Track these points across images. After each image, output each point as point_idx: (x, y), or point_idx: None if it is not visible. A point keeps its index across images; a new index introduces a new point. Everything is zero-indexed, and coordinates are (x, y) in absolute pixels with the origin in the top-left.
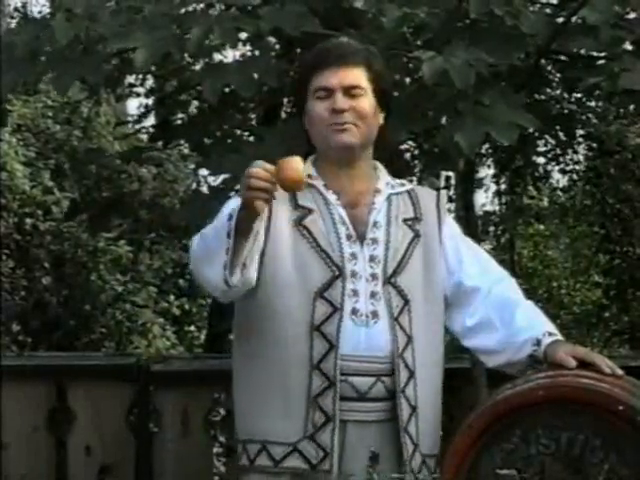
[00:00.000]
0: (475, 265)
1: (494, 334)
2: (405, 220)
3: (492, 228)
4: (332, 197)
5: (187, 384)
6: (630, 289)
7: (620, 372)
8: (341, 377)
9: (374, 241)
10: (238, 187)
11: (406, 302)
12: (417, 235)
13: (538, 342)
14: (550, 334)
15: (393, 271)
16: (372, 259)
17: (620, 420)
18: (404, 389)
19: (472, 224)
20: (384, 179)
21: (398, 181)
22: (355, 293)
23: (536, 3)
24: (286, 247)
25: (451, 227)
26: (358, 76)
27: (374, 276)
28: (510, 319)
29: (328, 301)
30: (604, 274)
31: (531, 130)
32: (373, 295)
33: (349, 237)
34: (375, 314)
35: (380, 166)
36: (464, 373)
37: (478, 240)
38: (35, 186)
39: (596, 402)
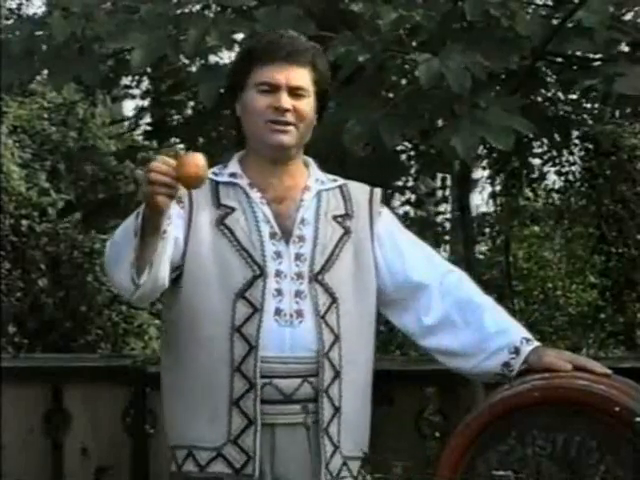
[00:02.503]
0: (419, 259)
1: (458, 335)
2: (335, 217)
3: (487, 230)
4: (256, 195)
5: None
6: (626, 290)
7: (609, 372)
8: (265, 380)
9: (301, 239)
10: None
11: (334, 300)
12: (347, 232)
13: (516, 350)
14: (527, 340)
15: (321, 268)
16: (298, 257)
17: (616, 421)
18: (327, 389)
19: (468, 225)
20: (314, 175)
21: (330, 177)
22: (279, 293)
23: (532, 4)
24: (207, 247)
25: (387, 223)
26: (304, 76)
27: (300, 275)
28: (478, 322)
29: (249, 301)
30: (600, 275)
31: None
32: (298, 294)
33: (273, 235)
34: (300, 313)
35: (311, 162)
36: (460, 375)
37: (473, 241)
38: (31, 187)
39: (592, 403)
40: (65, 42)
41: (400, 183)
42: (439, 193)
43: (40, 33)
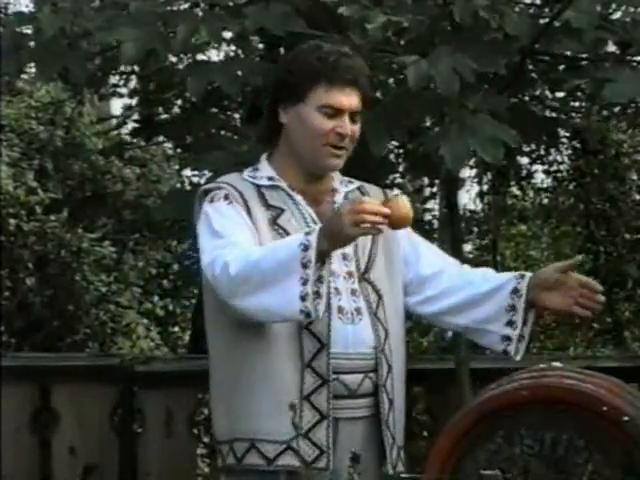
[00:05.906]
0: (433, 255)
1: (458, 294)
2: None
3: (475, 228)
4: (298, 197)
5: (171, 385)
6: (614, 289)
7: (600, 287)
8: (333, 375)
9: None
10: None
11: (380, 297)
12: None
13: (521, 276)
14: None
15: (365, 267)
16: (345, 257)
17: (604, 421)
18: (385, 383)
19: (455, 224)
20: (337, 178)
21: (346, 179)
22: (337, 291)
23: (519, 3)
24: None
25: None
26: (359, 100)
27: (350, 274)
28: (480, 277)
29: None
30: (588, 274)
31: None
32: (353, 292)
33: None
34: (359, 311)
35: None
36: (448, 374)
37: (461, 240)
38: (19, 186)
39: (580, 402)
40: (54, 37)
41: (388, 181)
42: (427, 191)
43: (29, 31)
